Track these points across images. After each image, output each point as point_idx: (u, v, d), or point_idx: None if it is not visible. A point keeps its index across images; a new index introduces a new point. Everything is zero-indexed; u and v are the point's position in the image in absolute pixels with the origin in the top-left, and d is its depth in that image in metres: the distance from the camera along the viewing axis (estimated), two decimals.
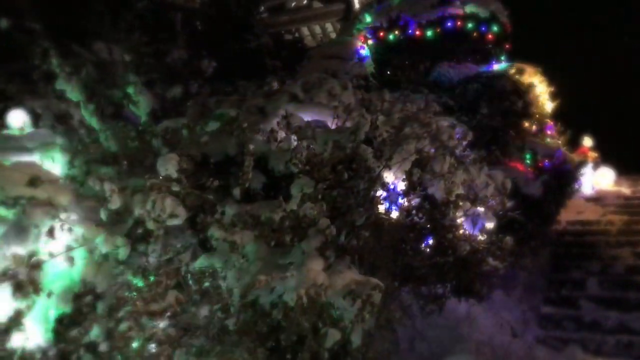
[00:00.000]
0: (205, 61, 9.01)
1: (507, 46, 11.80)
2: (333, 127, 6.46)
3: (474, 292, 6.43)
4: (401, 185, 6.21)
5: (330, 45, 11.54)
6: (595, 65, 22.46)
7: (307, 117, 6.53)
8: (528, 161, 9.83)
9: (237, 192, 4.43)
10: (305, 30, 17.74)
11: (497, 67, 11.48)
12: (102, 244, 3.62)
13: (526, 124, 10.51)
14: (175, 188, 3.98)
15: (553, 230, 10.33)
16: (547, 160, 9.94)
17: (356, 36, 11.60)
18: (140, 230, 3.78)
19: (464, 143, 7.22)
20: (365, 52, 11.27)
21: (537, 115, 10.92)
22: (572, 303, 8.71)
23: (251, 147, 4.80)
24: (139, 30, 10.44)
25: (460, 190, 6.54)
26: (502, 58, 11.78)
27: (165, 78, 9.15)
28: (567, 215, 11.36)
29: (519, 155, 9.78)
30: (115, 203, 3.74)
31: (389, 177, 6.13)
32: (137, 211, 3.79)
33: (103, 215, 3.79)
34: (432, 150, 6.72)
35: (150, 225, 3.77)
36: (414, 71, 11.18)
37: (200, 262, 3.81)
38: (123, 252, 3.70)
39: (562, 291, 9.14)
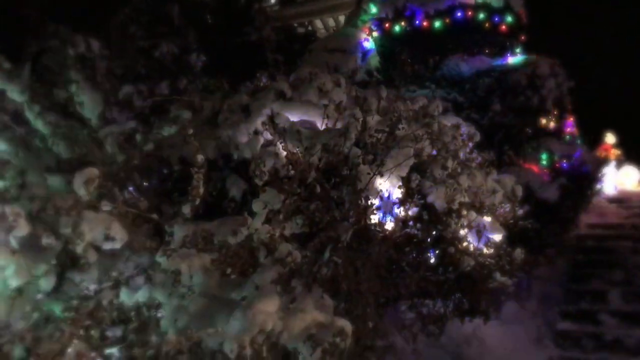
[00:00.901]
0: (194, 55, 8.41)
1: (522, 38, 11.01)
2: (323, 127, 5.83)
3: (479, 312, 5.75)
4: (397, 193, 5.55)
5: (332, 38, 10.85)
6: (618, 57, 21.46)
7: (294, 116, 5.91)
8: (544, 162, 9.07)
9: (186, 209, 3.81)
10: (318, 23, 17.08)
11: (511, 60, 10.70)
12: (14, 275, 3.03)
13: (543, 121, 9.74)
14: (106, 207, 3.38)
15: (572, 235, 9.55)
16: (565, 161, 9.18)
17: (360, 28, 10.90)
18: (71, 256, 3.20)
19: (470, 144, 6.53)
20: (369, 44, 10.56)
21: (555, 112, 10.13)
22: (592, 318, 7.93)
23: (200, 157, 4.15)
24: (135, 24, 9.88)
25: (464, 198, 5.87)
26: (518, 50, 11.01)
27: (154, 74, 8.59)
28: (587, 218, 10.57)
29: (534, 155, 9.03)
30: (23, 229, 3.15)
31: (383, 184, 5.47)
32: (64, 233, 3.20)
33: (13, 241, 3.20)
34: (434, 153, 6.05)
35: (80, 249, 3.18)
36: (421, 65, 10.47)
37: (142, 294, 3.22)
38: (46, 283, 3.12)
39: (581, 304, 8.37)
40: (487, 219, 5.94)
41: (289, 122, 5.70)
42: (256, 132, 5.91)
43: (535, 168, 8.88)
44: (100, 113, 4.93)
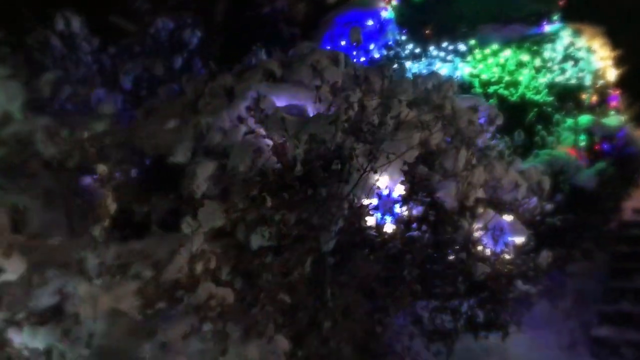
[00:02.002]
0: (188, 31, 7.67)
1: (560, 3, 9.87)
2: (315, 113, 5.05)
3: (496, 326, 4.94)
4: (400, 189, 4.75)
5: (346, 8, 9.91)
6: None
7: (282, 100, 5.14)
8: (582, 143, 8.06)
9: (96, 231, 3.10)
10: None
11: (548, 28, 9.60)
12: None
13: (582, 97, 8.68)
14: None
15: (613, 225, 8.52)
16: (606, 142, 8.14)
17: None
18: None
19: (492, 128, 5.63)
20: (388, 14, 9.58)
21: (597, 85, 9.03)
22: (634, 322, 7.00)
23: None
24: None
25: (480, 194, 5.02)
26: (555, 18, 9.87)
27: (149, 52, 7.91)
28: (633, 203, 9.50)
29: (570, 136, 8.03)
30: None
31: (382, 179, 4.67)
32: None
33: None
34: (448, 141, 5.20)
35: None
36: (446, 36, 9.48)
37: (41, 339, 2.56)
38: None
39: (622, 304, 7.42)
40: (508, 218, 5.08)
41: (274, 108, 4.94)
42: (240, 120, 5.17)
43: (571, 151, 7.88)
44: (24, 104, 4.32)
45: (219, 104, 5.27)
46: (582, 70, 8.72)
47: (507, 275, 4.83)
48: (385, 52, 8.93)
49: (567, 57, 8.79)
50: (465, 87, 8.05)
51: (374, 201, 4.65)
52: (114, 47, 7.94)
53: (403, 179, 4.72)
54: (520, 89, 8.17)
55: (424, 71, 8.26)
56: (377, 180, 4.67)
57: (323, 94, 5.07)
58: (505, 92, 8.08)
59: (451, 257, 4.77)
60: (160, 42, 8.01)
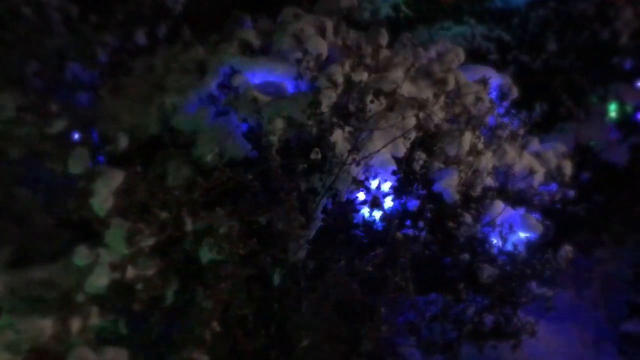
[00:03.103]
0: None
1: None
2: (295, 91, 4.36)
3: (505, 335, 4.28)
4: (393, 180, 4.08)
5: None
6: None
7: (258, 76, 4.46)
8: (613, 115, 7.20)
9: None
10: None
11: None
12: None
13: (614, 63, 7.75)
14: None
15: None
16: None
17: None
18: None
19: (505, 104, 4.87)
20: None
21: (632, 50, 8.07)
22: None
23: None
24: None
25: (488, 182, 4.31)
26: None
27: (129, 19, 7.20)
28: None
29: (600, 106, 7.17)
30: None
31: (372, 168, 4.00)
32: None
33: None
34: (452, 121, 4.48)
35: None
36: None
37: None
38: None
39: None
40: (520, 210, 4.37)
41: (246, 85, 4.26)
42: (212, 99, 4.52)
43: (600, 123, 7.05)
44: None
45: (189, 80, 4.60)
46: (615, 32, 7.76)
47: (518, 277, 4.14)
48: (392, 13, 8.09)
49: (598, 16, 7.83)
50: (481, 53, 7.23)
51: (361, 195, 3.98)
52: (95, 15, 7.24)
53: (396, 168, 4.03)
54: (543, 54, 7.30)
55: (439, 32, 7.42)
56: (365, 170, 4.00)
57: (305, 69, 4.38)
58: (526, 58, 7.22)
59: (454, 258, 4.09)
60: (144, 7, 7.28)
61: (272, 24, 5.34)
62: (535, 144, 4.91)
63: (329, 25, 4.74)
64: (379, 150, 3.99)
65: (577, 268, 7.15)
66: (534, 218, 4.26)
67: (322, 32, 4.71)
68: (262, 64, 4.45)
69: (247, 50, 4.73)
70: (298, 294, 3.30)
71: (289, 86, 4.35)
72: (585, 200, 6.39)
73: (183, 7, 7.14)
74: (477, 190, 4.25)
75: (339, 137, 3.97)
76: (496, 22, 7.52)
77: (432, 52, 5.08)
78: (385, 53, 4.82)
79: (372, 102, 4.04)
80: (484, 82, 4.61)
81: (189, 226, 2.87)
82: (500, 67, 7.07)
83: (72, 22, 6.74)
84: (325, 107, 3.95)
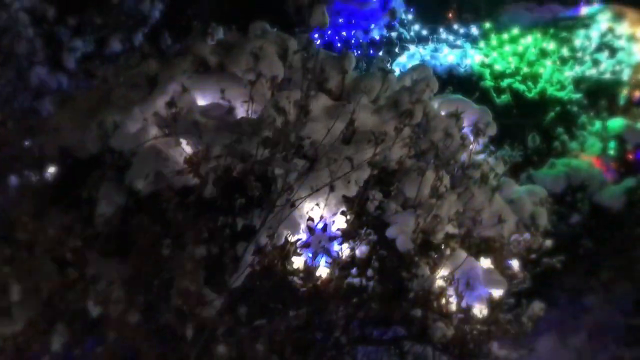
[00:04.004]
0: (148, 2, 6.61)
1: None
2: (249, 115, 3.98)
3: None
4: (341, 221, 3.68)
5: None
6: None
7: (206, 96, 4.09)
8: (611, 152, 6.74)
9: None
10: None
11: (585, 10, 8.18)
12: None
13: (618, 94, 7.31)
14: None
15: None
16: None
17: None
18: None
19: (481, 140, 4.45)
20: None
21: (637, 82, 7.62)
22: None
23: None
24: None
25: (452, 229, 3.89)
26: None
27: (104, 25, 6.89)
28: None
29: (596, 143, 6.72)
30: None
31: (317, 208, 3.60)
32: None
33: None
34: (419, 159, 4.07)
35: None
36: (464, 16, 8.21)
37: None
38: None
39: None
40: (485, 262, 3.95)
41: (190, 106, 3.89)
42: (158, 119, 4.15)
43: (596, 161, 6.58)
44: None
45: (136, 96, 4.24)
46: (619, 63, 7.33)
47: (476, 337, 3.71)
48: (386, 33, 7.71)
49: (602, 46, 7.39)
50: (473, 80, 6.81)
51: (304, 236, 3.58)
52: (73, 18, 6.94)
53: (344, 209, 3.63)
54: (541, 84, 6.86)
55: (428, 57, 7.02)
56: (311, 209, 3.60)
57: (259, 91, 4.00)
58: (522, 87, 6.79)
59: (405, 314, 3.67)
60: (123, 13, 6.97)
61: (238, 36, 4.98)
62: (510, 187, 4.48)
63: (292, 43, 4.36)
64: (328, 187, 3.59)
65: (564, 313, 6.71)
66: (497, 273, 3.82)
67: (284, 51, 4.34)
68: (213, 83, 4.07)
69: (202, 67, 4.37)
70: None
71: (240, 110, 3.97)
72: (572, 246, 5.97)
73: (162, 14, 6.82)
74: (438, 238, 3.83)
75: (283, 171, 3.57)
76: (491, 48, 7.09)
77: (408, 80, 4.68)
78: (351, 78, 4.44)
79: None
80: (456, 116, 4.19)
81: (72, 275, 2.50)
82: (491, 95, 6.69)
83: (42, 25, 6.45)
84: (270, 137, 3.57)
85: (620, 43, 7.56)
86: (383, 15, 7.92)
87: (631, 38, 7.68)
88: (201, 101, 4.08)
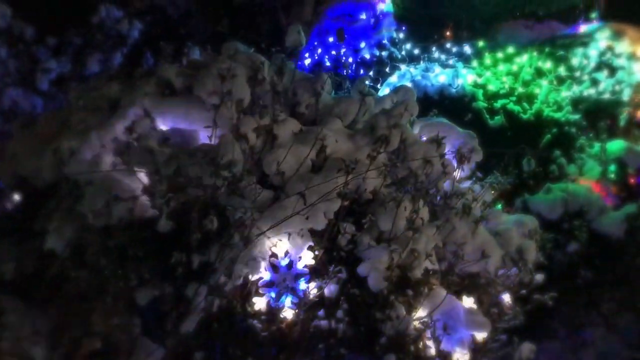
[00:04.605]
0: (126, 22, 6.41)
1: None
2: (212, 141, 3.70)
3: None
4: (309, 258, 3.38)
5: None
6: None
7: (170, 120, 3.82)
8: (612, 176, 6.41)
9: None
10: None
11: (584, 28, 7.91)
12: None
13: (619, 115, 7.00)
14: None
15: None
16: None
17: None
18: None
19: (465, 167, 4.15)
20: (386, 6, 8.01)
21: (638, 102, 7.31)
22: None
23: None
24: None
25: (431, 265, 3.58)
26: (594, 16, 8.17)
27: (84, 45, 6.71)
28: None
29: (596, 166, 6.39)
30: None
31: (283, 242, 3.31)
32: None
33: None
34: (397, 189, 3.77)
35: None
36: (460, 33, 7.97)
37: None
38: None
39: None
40: (469, 300, 3.63)
41: (147, 132, 3.62)
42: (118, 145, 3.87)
43: (595, 186, 6.25)
44: None
45: (95, 120, 3.98)
46: (619, 82, 7.02)
47: None
48: (377, 52, 7.45)
49: (601, 65, 7.10)
50: (466, 100, 6.53)
51: (267, 275, 3.28)
52: (54, 39, 6.77)
53: (312, 243, 3.33)
54: (537, 104, 6.56)
55: (419, 77, 6.75)
56: (275, 244, 3.31)
57: (225, 116, 3.72)
58: (517, 108, 6.49)
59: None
60: (104, 34, 6.78)
61: (211, 56, 4.72)
62: (498, 218, 4.17)
63: (263, 64, 4.09)
64: (295, 220, 3.30)
65: (564, 347, 6.34)
66: (480, 313, 3.50)
67: (255, 73, 4.06)
68: (175, 106, 3.81)
69: (169, 89, 4.10)
70: None
71: (202, 136, 3.69)
72: (570, 276, 5.64)
73: (141, 34, 6.61)
74: (416, 274, 3.51)
75: (245, 202, 3.29)
76: (485, 67, 6.81)
77: (388, 103, 4.40)
78: (326, 102, 4.16)
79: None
80: (437, 141, 3.89)
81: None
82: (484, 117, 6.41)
83: (18, 45, 6.27)
84: (231, 166, 3.29)
85: (620, 62, 7.26)
86: (374, 34, 7.66)
87: (631, 57, 7.37)
88: (163, 126, 3.82)
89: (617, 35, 7.49)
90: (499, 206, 5.87)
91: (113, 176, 3.61)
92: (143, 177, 3.54)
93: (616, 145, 6.47)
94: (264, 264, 3.25)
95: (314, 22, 8.41)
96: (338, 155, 3.70)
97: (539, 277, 4.09)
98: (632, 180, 6.39)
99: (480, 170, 4.57)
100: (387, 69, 7.25)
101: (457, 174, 4.19)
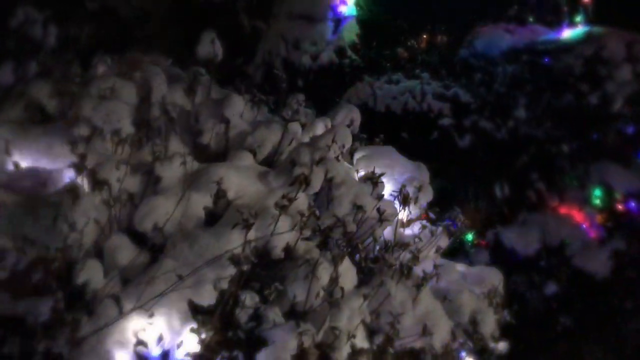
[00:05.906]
0: (40, 26, 5.57)
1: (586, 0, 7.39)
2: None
3: None
4: (194, 342, 2.56)
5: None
6: None
7: (29, 156, 3.01)
8: (597, 202, 5.63)
9: None
10: None
11: (567, 33, 7.15)
12: None
13: (605, 134, 6.22)
14: None
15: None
16: (634, 201, 5.70)
17: None
18: None
19: (411, 211, 3.35)
20: (348, 9, 7.18)
21: (629, 116, 6.52)
22: None
23: None
24: None
25: (360, 342, 2.78)
26: (578, 20, 7.41)
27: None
28: None
29: (579, 191, 5.62)
30: None
31: (157, 321, 2.50)
32: None
33: None
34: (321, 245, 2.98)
35: None
36: (434, 39, 7.21)
37: None
38: None
39: None
40: None
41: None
42: None
43: (578, 213, 5.47)
44: None
45: None
46: (606, 94, 6.24)
47: None
48: (337, 60, 6.65)
49: (586, 75, 6.34)
50: (431, 117, 5.75)
51: None
52: None
53: (195, 324, 2.52)
54: (512, 120, 5.78)
55: (380, 89, 5.96)
56: (143, 328, 2.49)
57: (98, 151, 2.91)
58: (489, 125, 5.71)
59: None
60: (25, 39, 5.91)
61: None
62: (450, 273, 3.36)
63: (159, 84, 3.28)
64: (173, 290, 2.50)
65: None
66: None
67: (147, 93, 3.26)
68: (34, 139, 2.99)
69: (42, 114, 3.29)
70: None
71: (64, 176, 2.87)
72: (548, 323, 4.87)
73: (58, 41, 5.77)
74: (341, 355, 2.71)
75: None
76: (455, 77, 6.02)
77: (320, 128, 3.61)
78: (241, 129, 3.35)
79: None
80: (372, 180, 3.09)
81: None
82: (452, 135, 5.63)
83: None
84: (82, 223, 2.48)
85: (606, 71, 6.49)
86: (335, 37, 6.86)
87: (618, 64, 6.60)
88: (24, 163, 3.01)
89: (602, 40, 6.72)
90: (469, 237, 5.14)
91: None
92: None
93: (602, 166, 5.69)
94: (124, 357, 2.43)
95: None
96: (243, 201, 2.90)
97: (502, 345, 3.29)
98: (620, 207, 5.61)
99: (441, 203, 3.78)
100: (347, 79, 6.46)
101: (404, 215, 3.40)
